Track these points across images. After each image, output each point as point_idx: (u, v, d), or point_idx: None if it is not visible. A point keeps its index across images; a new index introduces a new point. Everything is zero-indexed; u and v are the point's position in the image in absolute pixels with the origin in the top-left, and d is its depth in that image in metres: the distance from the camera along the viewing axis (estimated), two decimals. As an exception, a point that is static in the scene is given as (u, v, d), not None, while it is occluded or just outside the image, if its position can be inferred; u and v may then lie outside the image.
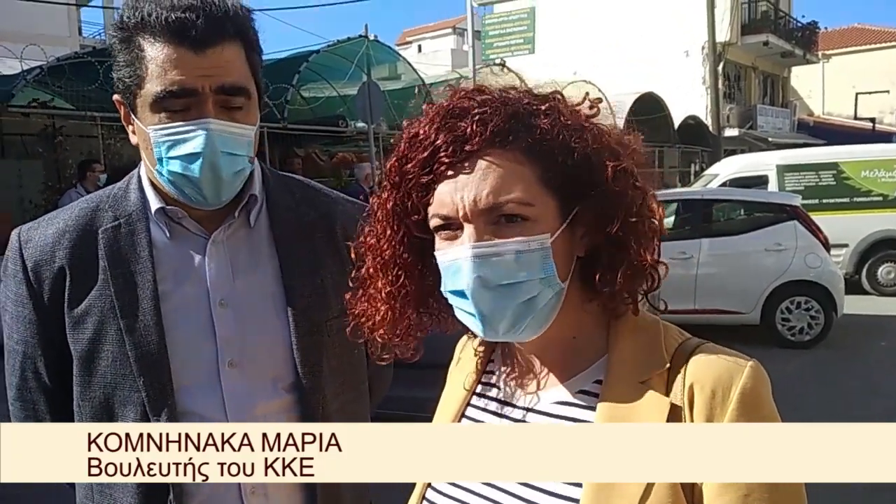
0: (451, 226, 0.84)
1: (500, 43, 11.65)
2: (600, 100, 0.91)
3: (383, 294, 0.92)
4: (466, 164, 0.82)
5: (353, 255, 0.95)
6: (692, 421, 0.79)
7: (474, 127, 0.82)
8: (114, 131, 10.68)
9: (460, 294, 0.84)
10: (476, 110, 0.83)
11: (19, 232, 1.29)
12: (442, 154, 0.83)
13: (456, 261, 0.83)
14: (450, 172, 0.83)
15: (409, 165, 0.86)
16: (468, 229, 0.82)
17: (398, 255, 0.91)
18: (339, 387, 1.31)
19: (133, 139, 1.23)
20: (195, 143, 1.15)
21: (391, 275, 0.92)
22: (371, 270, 0.93)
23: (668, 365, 0.83)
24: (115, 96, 1.24)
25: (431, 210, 0.85)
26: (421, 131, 0.85)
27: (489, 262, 0.81)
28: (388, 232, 0.91)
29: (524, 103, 0.85)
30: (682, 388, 0.81)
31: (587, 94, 0.90)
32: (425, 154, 0.84)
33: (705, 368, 0.81)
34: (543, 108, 0.85)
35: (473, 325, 0.86)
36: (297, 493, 1.26)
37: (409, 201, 0.87)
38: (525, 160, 0.82)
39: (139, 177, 1.30)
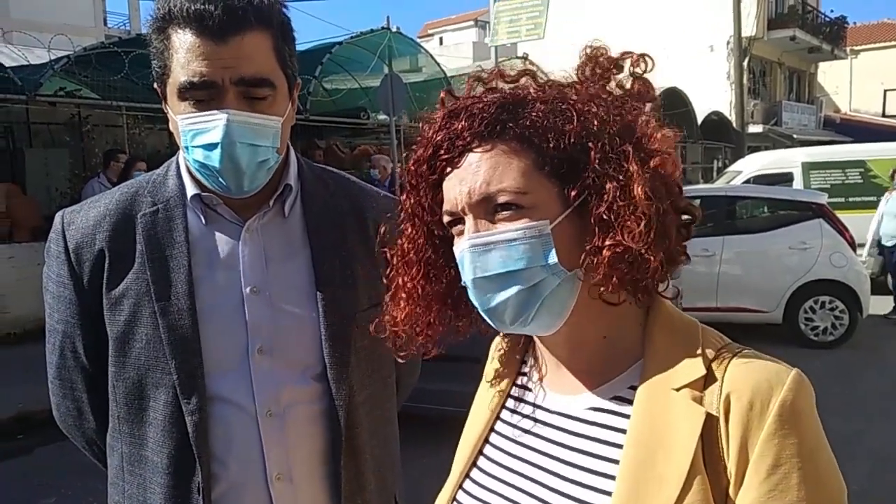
0: (460, 221, 0.86)
1: (510, 28, 11.38)
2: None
3: (404, 291, 0.94)
4: (461, 160, 0.85)
5: (388, 256, 0.97)
6: (727, 433, 0.76)
7: (464, 122, 0.84)
8: (139, 121, 10.81)
9: (467, 286, 0.85)
10: (470, 107, 0.85)
11: (62, 214, 1.32)
12: (441, 152, 0.86)
13: (461, 254, 0.85)
14: (448, 169, 0.86)
15: (424, 167, 0.89)
16: (468, 222, 0.84)
17: (419, 253, 0.93)
18: (366, 378, 1.32)
19: (171, 126, 1.25)
20: (213, 134, 1.17)
21: (412, 271, 0.93)
22: (396, 269, 0.95)
23: (704, 372, 0.80)
24: (154, 84, 1.27)
25: (443, 208, 0.88)
26: (429, 133, 0.89)
27: (486, 251, 0.82)
28: (409, 231, 0.93)
29: (514, 94, 0.86)
30: (719, 398, 0.78)
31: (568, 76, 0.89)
32: (429, 153, 0.87)
33: (744, 377, 0.78)
34: (534, 95, 0.85)
35: (484, 316, 0.87)
36: (321, 480, 1.28)
37: (426, 201, 0.90)
38: (518, 148, 0.82)
39: (177, 163, 1.32)
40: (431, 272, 0.93)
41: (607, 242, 0.79)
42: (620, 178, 0.80)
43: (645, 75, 0.89)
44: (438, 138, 0.86)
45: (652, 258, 0.79)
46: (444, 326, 0.95)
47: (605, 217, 0.80)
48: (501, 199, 0.81)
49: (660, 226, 0.80)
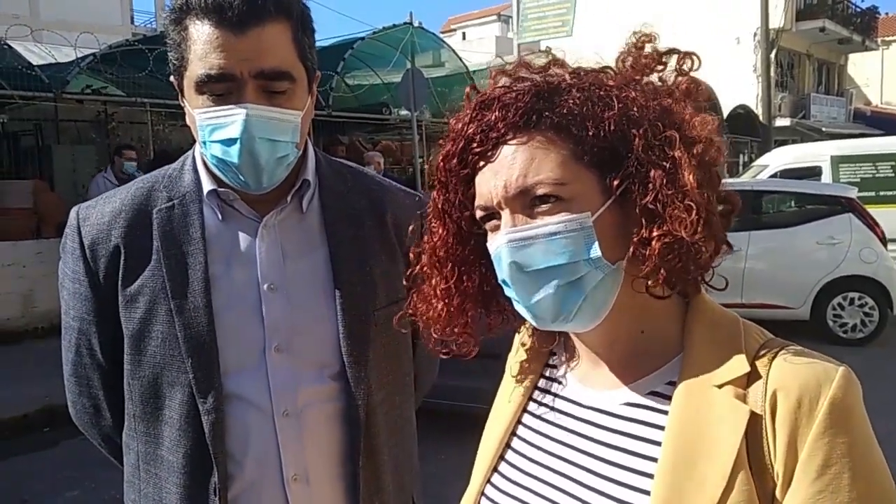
0: (494, 216, 0.83)
1: (538, 25, 11.37)
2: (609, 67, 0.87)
3: (439, 291, 0.91)
4: (495, 152, 0.81)
5: (411, 256, 0.95)
6: (773, 432, 0.73)
7: (498, 113, 0.81)
8: (163, 117, 10.94)
9: (505, 283, 0.82)
10: (503, 97, 0.82)
11: (78, 210, 1.30)
12: (474, 145, 0.83)
13: (497, 250, 0.82)
14: (481, 163, 0.83)
15: (454, 162, 0.86)
16: (504, 216, 0.81)
17: (452, 252, 0.90)
18: (384, 377, 1.30)
19: (188, 120, 1.24)
20: (232, 129, 1.14)
21: (446, 271, 0.90)
22: (426, 269, 0.92)
23: (748, 369, 0.77)
24: (171, 77, 1.24)
25: (475, 203, 0.85)
26: (458, 126, 0.85)
27: (525, 246, 0.79)
28: (441, 230, 0.91)
29: (548, 81, 0.82)
30: (764, 395, 0.75)
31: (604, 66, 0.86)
32: (460, 147, 0.84)
33: (791, 374, 0.75)
34: (569, 82, 0.82)
35: (523, 313, 0.84)
36: (338, 481, 1.25)
37: (457, 198, 0.87)
38: (554, 138, 0.79)
39: (193, 157, 1.30)
40: (463, 270, 0.90)
41: (656, 233, 0.76)
42: (666, 165, 0.77)
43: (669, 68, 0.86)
44: (470, 131, 0.83)
45: (705, 248, 0.77)
46: (486, 328, 0.93)
47: (651, 207, 0.77)
48: (540, 191, 0.78)
49: (708, 214, 0.78)
